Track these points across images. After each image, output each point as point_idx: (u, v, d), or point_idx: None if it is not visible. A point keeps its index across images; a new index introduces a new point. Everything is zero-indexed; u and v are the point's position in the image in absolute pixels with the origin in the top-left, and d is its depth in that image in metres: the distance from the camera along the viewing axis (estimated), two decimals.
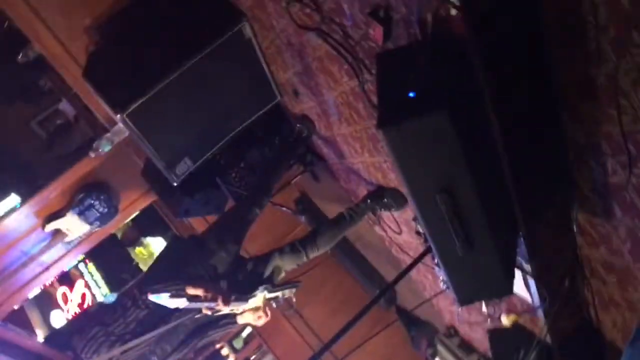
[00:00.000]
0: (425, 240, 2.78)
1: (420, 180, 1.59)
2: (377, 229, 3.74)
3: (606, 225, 1.74)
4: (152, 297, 2.14)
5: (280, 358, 5.07)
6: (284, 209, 3.63)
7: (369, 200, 3.04)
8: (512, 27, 1.41)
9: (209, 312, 2.30)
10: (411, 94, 1.49)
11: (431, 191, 1.59)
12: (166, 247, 2.81)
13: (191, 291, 2.20)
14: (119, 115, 2.84)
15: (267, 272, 2.77)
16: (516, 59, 1.39)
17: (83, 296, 7.66)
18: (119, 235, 7.75)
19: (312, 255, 2.93)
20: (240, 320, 2.56)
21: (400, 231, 3.34)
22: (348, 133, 2.92)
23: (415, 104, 1.46)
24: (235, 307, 2.46)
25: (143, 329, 2.37)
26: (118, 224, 4.48)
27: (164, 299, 2.14)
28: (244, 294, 2.47)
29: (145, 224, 6.96)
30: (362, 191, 3.31)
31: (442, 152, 1.45)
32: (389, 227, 3.45)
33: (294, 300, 2.75)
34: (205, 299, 2.23)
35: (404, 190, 1.72)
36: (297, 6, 2.30)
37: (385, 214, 3.26)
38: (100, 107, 3.28)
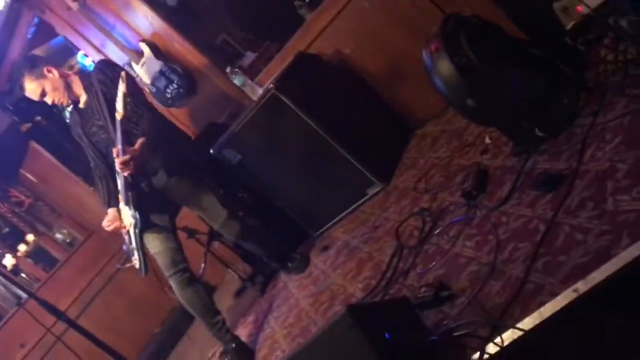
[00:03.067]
0: None
1: None
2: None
3: None
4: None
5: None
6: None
7: (232, 336, 3.00)
8: None
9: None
10: (387, 335, 1.53)
11: None
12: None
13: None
14: (271, 85, 3.08)
15: (156, 224, 2.88)
16: None
17: None
18: None
19: (169, 281, 2.91)
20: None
21: None
22: (302, 306, 2.87)
23: (378, 339, 1.51)
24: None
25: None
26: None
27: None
28: (131, 199, 2.76)
29: None
30: (241, 333, 3.26)
31: None
32: None
33: (127, 265, 3.00)
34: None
35: None
36: (418, 221, 2.43)
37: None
38: (271, 72, 3.55)
